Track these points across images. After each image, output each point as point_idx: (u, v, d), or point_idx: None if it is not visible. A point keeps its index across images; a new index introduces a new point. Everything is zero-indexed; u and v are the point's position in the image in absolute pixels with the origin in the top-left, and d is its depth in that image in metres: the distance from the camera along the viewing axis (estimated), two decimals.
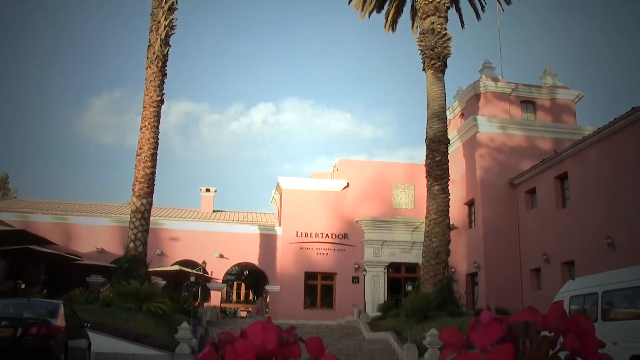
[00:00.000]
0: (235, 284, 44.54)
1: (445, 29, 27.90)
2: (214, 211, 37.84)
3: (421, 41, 27.87)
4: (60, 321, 12.47)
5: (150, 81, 25.68)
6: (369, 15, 31.46)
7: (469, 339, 0.64)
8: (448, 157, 26.98)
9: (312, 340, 0.72)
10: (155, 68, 25.70)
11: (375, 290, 33.05)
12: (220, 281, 32.95)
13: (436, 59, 27.24)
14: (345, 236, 33.74)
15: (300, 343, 0.71)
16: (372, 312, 29.49)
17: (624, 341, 12.21)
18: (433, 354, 19.05)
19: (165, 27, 25.97)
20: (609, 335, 12.42)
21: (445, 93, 27.55)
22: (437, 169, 26.27)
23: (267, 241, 33.35)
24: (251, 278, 41.06)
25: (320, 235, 33.48)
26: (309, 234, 33.38)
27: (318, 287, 33.79)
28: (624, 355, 12.25)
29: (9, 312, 12.57)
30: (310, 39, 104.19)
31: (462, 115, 35.18)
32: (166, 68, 26.25)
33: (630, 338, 12.19)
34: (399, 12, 31.70)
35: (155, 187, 25.29)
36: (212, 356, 0.67)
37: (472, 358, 0.60)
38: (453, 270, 29.90)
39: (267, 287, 32.77)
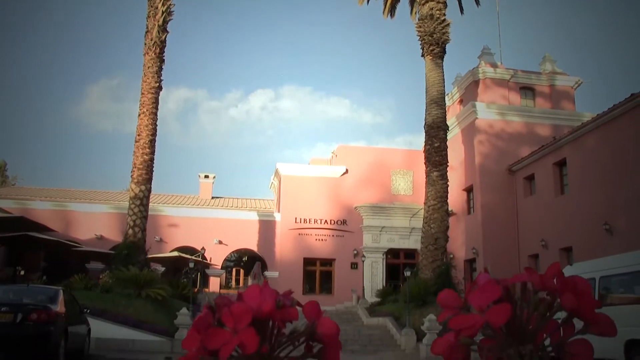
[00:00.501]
0: (234, 270, 44.69)
1: (444, 14, 27.79)
2: (212, 197, 37.84)
3: (420, 27, 27.76)
4: (59, 307, 12.51)
5: (148, 67, 25.58)
6: (367, 1, 31.31)
7: (467, 300, 0.64)
8: (447, 143, 26.97)
9: (310, 304, 0.72)
10: (153, 54, 25.59)
11: (373, 276, 33.15)
12: (219, 267, 33.04)
13: (435, 45, 27.15)
14: (344, 222, 33.79)
15: (298, 308, 0.71)
16: (370, 297, 29.62)
17: (620, 326, 12.15)
18: (431, 339, 19.11)
19: (162, 13, 25.83)
20: None
21: (444, 79, 27.49)
22: (435, 155, 26.27)
23: (266, 227, 33.39)
24: (250, 264, 41.15)
25: (319, 222, 33.52)
26: (307, 220, 33.42)
27: (317, 273, 33.88)
28: (620, 339, 12.33)
29: (8, 298, 12.60)
30: (308, 25, 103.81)
31: (460, 101, 35.11)
32: (164, 54, 26.15)
33: (626, 323, 12.24)
34: None
35: (154, 173, 25.27)
36: (208, 319, 0.67)
37: (470, 319, 0.60)
38: (451, 256, 29.98)
39: (266, 273, 32.84)
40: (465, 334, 0.63)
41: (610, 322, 0.64)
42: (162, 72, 25.99)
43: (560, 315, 0.69)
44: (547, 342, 0.65)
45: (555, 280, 0.62)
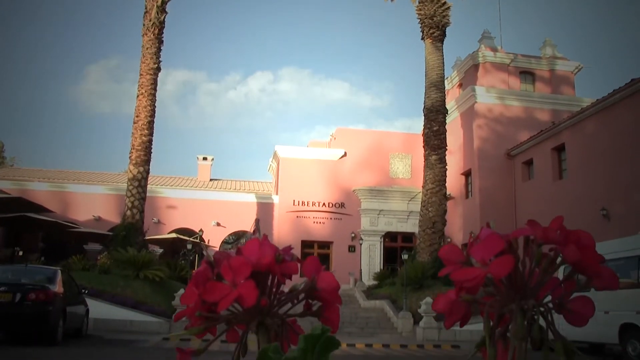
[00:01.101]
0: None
1: None
2: (211, 180, 37.81)
3: (420, 10, 27.59)
4: (58, 287, 12.57)
5: (147, 48, 25.47)
6: None
7: (469, 254, 0.63)
8: (446, 127, 26.91)
9: (310, 259, 0.71)
10: (151, 35, 25.46)
11: (371, 259, 33.25)
12: (217, 249, 33.10)
13: (435, 28, 27.00)
14: (342, 205, 33.82)
15: (298, 264, 0.70)
16: (368, 280, 29.72)
17: (616, 310, 12.37)
18: (428, 322, 19.26)
19: None
20: (601, 304, 12.59)
21: (443, 62, 27.37)
22: (434, 138, 26.23)
23: (264, 210, 33.41)
24: None
25: (317, 204, 33.55)
26: (305, 203, 33.45)
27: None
28: (615, 323, 12.43)
29: (7, 278, 12.65)
30: (308, 7, 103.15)
31: (460, 85, 35.01)
32: (163, 35, 26.02)
33: (621, 307, 12.34)
34: None
35: (152, 155, 25.27)
36: (207, 273, 0.66)
37: (472, 272, 0.59)
38: (449, 240, 30.05)
39: None
40: (467, 286, 0.63)
41: (613, 275, 0.64)
42: (160, 53, 25.90)
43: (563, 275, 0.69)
44: (547, 299, 0.64)
45: (558, 233, 0.62)
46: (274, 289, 0.68)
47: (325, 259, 33.96)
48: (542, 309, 0.62)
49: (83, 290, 15.43)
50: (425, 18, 27.18)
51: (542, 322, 0.61)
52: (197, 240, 28.81)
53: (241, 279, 0.63)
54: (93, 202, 31.70)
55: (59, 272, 13.45)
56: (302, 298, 0.69)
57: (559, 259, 0.63)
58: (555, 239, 0.63)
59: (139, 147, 24.62)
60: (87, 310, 15.56)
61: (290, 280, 0.71)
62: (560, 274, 0.65)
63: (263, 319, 0.66)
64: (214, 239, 32.11)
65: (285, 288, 0.71)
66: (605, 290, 0.62)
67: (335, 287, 0.68)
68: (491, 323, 0.61)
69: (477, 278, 0.61)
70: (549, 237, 0.63)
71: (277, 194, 34.35)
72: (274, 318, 0.66)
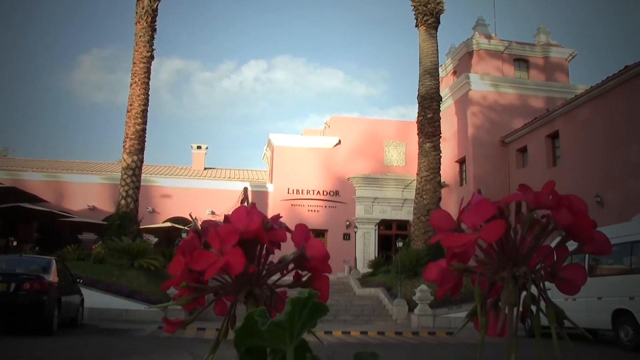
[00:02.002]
0: None
1: None
2: (205, 168, 37.74)
3: None
4: (52, 277, 12.55)
5: (140, 36, 25.31)
6: None
7: (460, 220, 0.62)
8: (440, 114, 26.89)
9: (299, 227, 0.70)
10: (144, 23, 25.30)
11: (366, 246, 33.31)
12: None
13: (429, 15, 26.91)
14: (336, 193, 33.82)
15: (287, 233, 0.69)
16: (362, 268, 29.78)
17: (609, 296, 12.44)
18: (423, 310, 19.32)
19: None
20: (594, 290, 12.65)
21: (437, 50, 27.29)
22: (428, 126, 26.20)
23: (259, 198, 33.36)
24: None
25: (311, 192, 33.55)
26: (300, 191, 33.44)
27: None
28: (608, 308, 12.50)
29: (2, 268, 12.61)
30: None
31: (454, 72, 34.94)
32: (156, 23, 25.85)
33: (614, 293, 12.41)
34: None
35: (146, 144, 25.18)
36: (194, 242, 0.65)
37: (462, 237, 0.59)
38: None
39: None
40: (458, 252, 0.62)
41: (605, 240, 0.63)
42: (154, 42, 25.76)
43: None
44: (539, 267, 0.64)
45: (550, 198, 0.61)
46: (263, 260, 0.67)
47: None
48: (533, 276, 0.61)
49: (78, 280, 15.42)
50: (419, 5, 27.08)
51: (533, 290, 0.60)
52: None
53: (228, 246, 0.62)
54: (87, 191, 31.60)
55: (54, 261, 13.42)
56: (291, 268, 0.69)
57: (551, 225, 0.62)
58: (548, 203, 0.62)
59: (133, 136, 24.52)
60: (82, 300, 15.55)
61: (280, 250, 0.70)
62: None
63: (252, 288, 0.65)
64: None
65: (275, 260, 0.70)
66: (598, 256, 0.61)
67: (325, 256, 0.67)
68: (483, 292, 0.60)
69: (467, 244, 0.60)
70: (541, 201, 0.62)
71: (271, 182, 34.33)
72: (263, 288, 0.65)
